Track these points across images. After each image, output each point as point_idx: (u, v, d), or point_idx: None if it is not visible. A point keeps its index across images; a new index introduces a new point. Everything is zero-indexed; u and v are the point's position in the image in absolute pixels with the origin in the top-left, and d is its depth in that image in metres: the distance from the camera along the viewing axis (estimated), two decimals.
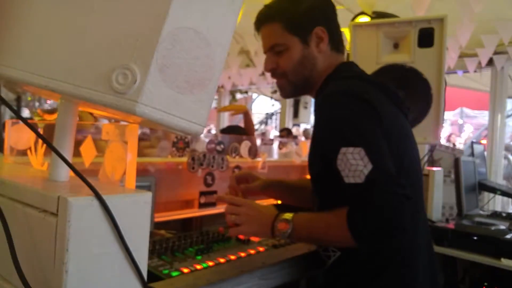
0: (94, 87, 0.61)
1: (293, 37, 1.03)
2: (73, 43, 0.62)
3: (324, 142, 0.96)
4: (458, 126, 11.63)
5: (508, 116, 6.19)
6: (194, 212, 1.71)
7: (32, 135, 1.04)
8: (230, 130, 2.86)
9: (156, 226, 1.46)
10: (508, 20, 3.72)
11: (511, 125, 7.30)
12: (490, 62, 4.64)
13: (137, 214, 0.67)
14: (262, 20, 1.08)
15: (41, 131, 1.01)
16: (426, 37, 1.98)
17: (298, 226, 0.96)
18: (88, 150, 0.86)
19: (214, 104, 8.31)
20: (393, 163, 0.89)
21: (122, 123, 0.79)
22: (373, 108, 0.94)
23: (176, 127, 0.64)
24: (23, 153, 1.09)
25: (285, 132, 5.94)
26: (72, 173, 0.69)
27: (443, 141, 7.01)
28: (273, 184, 1.30)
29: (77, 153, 0.84)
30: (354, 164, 0.85)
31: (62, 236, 0.59)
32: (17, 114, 0.73)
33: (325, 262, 1.06)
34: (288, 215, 0.98)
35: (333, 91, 0.98)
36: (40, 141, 0.95)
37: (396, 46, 2.09)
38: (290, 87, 1.10)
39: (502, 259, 1.63)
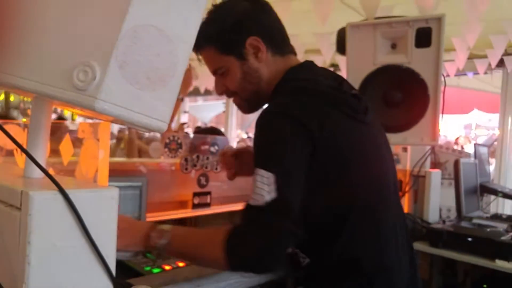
0: (58, 84, 0.62)
1: (228, 57, 1.01)
2: (38, 42, 0.64)
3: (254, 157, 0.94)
4: (470, 128, 11.45)
5: None
6: (188, 213, 1.73)
7: (18, 137, 1.06)
8: (207, 131, 2.91)
9: None
10: None
11: None
12: (501, 63, 4.54)
13: (103, 209, 0.69)
14: (197, 47, 1.05)
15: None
16: (424, 37, 1.96)
17: (174, 238, 0.94)
18: (66, 148, 0.88)
19: (222, 108, 8.34)
20: (307, 194, 0.88)
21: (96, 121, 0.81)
22: (304, 130, 0.89)
23: (137, 123, 0.65)
24: (12, 153, 1.11)
25: None
26: (52, 171, 0.70)
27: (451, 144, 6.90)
28: None
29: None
30: (260, 187, 0.84)
31: (24, 229, 0.61)
32: None
33: (300, 265, 1.04)
34: (166, 226, 0.96)
35: (266, 111, 0.95)
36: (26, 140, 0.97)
37: (393, 46, 2.08)
38: (245, 104, 1.09)
39: (497, 261, 1.60)
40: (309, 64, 1.08)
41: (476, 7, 3.19)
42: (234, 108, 7.85)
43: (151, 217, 1.56)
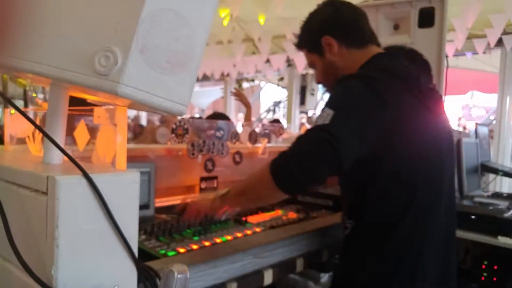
0: (78, 69, 0.63)
1: (314, 55, 1.25)
2: (56, 27, 0.64)
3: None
4: (468, 109, 11.47)
5: None
6: (195, 198, 1.75)
7: (30, 124, 1.07)
8: (215, 116, 2.91)
9: (157, 211, 1.49)
10: None
11: None
12: (500, 43, 4.53)
13: (125, 192, 0.70)
14: (298, 48, 1.31)
15: (38, 119, 1.05)
16: (427, 17, 1.95)
17: (233, 188, 1.12)
18: (81, 134, 0.88)
19: (220, 93, 8.32)
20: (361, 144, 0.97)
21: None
22: (376, 94, 1.01)
23: (159, 107, 0.66)
24: (24, 141, 1.12)
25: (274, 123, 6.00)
26: (66, 157, 0.71)
27: (453, 125, 6.92)
28: None
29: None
30: (319, 118, 0.98)
31: (52, 213, 0.62)
32: (9, 102, 0.76)
33: (343, 232, 1.19)
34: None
35: (347, 75, 1.09)
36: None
37: (396, 27, 2.07)
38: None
39: (499, 237, 1.64)
40: (390, 54, 1.24)
41: None
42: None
43: (160, 202, 1.58)
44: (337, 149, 0.90)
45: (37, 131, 1.04)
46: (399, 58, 1.21)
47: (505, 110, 4.83)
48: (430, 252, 1.07)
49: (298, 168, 0.91)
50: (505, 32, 4.31)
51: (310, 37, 1.24)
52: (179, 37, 0.66)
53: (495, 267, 1.84)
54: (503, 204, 2.00)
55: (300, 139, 0.97)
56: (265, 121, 7.47)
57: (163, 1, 0.63)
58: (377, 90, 1.01)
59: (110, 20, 0.62)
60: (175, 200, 1.67)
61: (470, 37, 4.47)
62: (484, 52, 4.75)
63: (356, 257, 1.13)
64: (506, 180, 4.01)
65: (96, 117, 0.83)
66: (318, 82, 1.30)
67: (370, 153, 1.00)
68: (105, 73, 0.61)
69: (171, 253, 1.05)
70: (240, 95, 3.48)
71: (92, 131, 0.89)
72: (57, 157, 0.77)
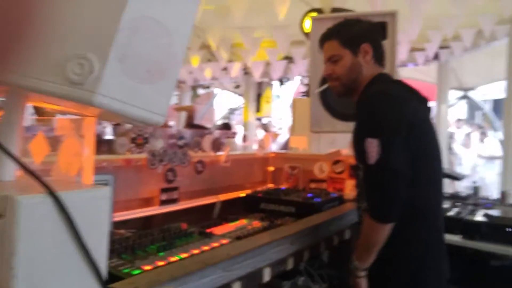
0: (46, 77, 0.57)
1: (346, 50, 1.37)
2: (21, 31, 0.58)
3: (362, 129, 1.28)
4: None
5: (451, 106, 6.59)
6: (155, 210, 1.67)
7: None
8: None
9: (115, 225, 1.41)
10: (450, 17, 3.96)
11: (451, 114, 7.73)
12: (436, 56, 4.93)
13: (95, 210, 0.64)
14: (325, 38, 1.42)
15: None
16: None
17: (356, 253, 1.29)
18: (39, 146, 0.80)
19: (175, 100, 8.16)
20: (405, 156, 1.19)
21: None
22: (402, 105, 1.26)
23: (137, 118, 0.62)
24: None
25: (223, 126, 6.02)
26: (18, 172, 0.64)
27: None
28: None
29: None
30: (371, 151, 1.19)
31: (9, 239, 0.55)
32: None
33: (359, 222, 1.35)
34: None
35: (375, 92, 1.31)
36: None
37: None
38: (341, 87, 1.41)
39: (445, 235, 1.72)
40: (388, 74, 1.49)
41: (417, 5, 3.41)
42: (187, 100, 7.71)
43: (118, 216, 1.49)
44: (398, 176, 1.18)
45: None
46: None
47: (442, 117, 5.26)
48: (441, 238, 1.35)
49: (395, 208, 1.20)
50: (440, 47, 4.70)
51: (355, 36, 1.37)
52: (160, 46, 0.62)
53: None
54: (446, 203, 2.12)
55: (375, 185, 1.22)
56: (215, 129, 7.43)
57: (144, 9, 0.59)
58: (402, 104, 1.27)
59: (86, 26, 0.57)
60: (134, 214, 1.59)
61: (412, 50, 4.81)
62: (423, 64, 5.14)
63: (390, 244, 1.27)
64: (445, 181, 4.29)
65: (59, 128, 0.76)
66: (330, 75, 1.41)
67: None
68: (79, 81, 0.56)
69: (135, 272, 0.98)
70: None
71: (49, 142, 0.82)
72: (9, 172, 0.69)
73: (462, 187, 4.39)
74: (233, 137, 2.54)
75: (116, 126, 1.83)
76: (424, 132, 1.31)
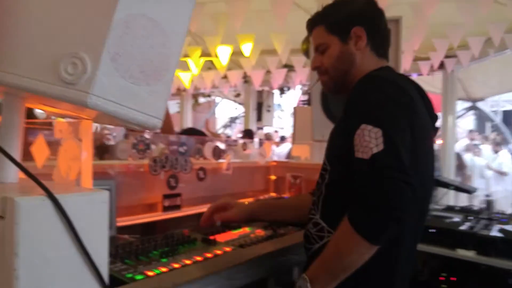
0: (40, 77, 0.57)
1: (333, 37, 1.13)
2: (15, 29, 0.58)
3: (351, 117, 0.98)
4: None
5: (458, 117, 6.51)
6: (158, 216, 1.66)
7: None
8: (190, 132, 2.84)
9: (119, 231, 1.40)
10: (457, 25, 3.89)
11: (460, 125, 7.66)
12: (442, 66, 4.85)
13: (94, 213, 0.64)
14: (310, 25, 1.19)
15: None
16: None
17: (312, 272, 0.93)
18: (40, 150, 0.81)
19: (176, 108, 8.18)
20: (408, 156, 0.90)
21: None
22: (407, 95, 0.98)
23: (132, 120, 0.61)
24: None
25: (245, 134, 5.96)
26: (21, 175, 0.64)
27: None
28: (255, 209, 1.32)
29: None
30: (367, 141, 0.89)
31: (10, 240, 0.55)
32: None
33: (315, 242, 1.04)
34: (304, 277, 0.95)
35: (371, 76, 1.05)
36: None
37: None
38: (331, 82, 1.17)
39: (458, 250, 1.69)
40: (395, 71, 1.20)
41: (422, 12, 3.37)
42: (188, 108, 7.73)
43: (120, 221, 1.49)
44: (411, 183, 0.85)
45: None
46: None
47: (449, 128, 5.16)
48: (403, 270, 1.03)
49: (392, 222, 0.85)
50: (446, 56, 4.62)
51: (343, 19, 1.13)
52: (154, 45, 0.62)
53: (453, 278, 1.88)
54: (457, 217, 2.07)
55: (373, 186, 0.86)
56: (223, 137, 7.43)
57: (137, 6, 0.59)
58: (407, 93, 0.98)
59: (78, 24, 0.56)
60: (137, 220, 1.59)
61: (416, 60, 4.74)
62: (428, 74, 5.06)
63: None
64: (451, 193, 4.23)
65: (58, 131, 0.76)
66: (317, 67, 1.18)
67: None
68: (72, 81, 0.55)
69: (138, 277, 0.97)
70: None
71: (50, 146, 0.82)
72: (11, 175, 0.69)
73: (473, 201, 4.28)
74: (235, 145, 2.53)
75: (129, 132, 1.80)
76: (423, 146, 1.00)
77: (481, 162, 6.38)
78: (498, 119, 8.44)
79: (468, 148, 6.58)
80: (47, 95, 0.56)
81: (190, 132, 2.80)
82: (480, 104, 7.25)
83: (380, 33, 1.15)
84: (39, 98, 0.62)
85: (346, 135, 0.95)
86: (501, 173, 6.17)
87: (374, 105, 0.95)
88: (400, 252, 1.00)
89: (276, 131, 8.49)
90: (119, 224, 1.43)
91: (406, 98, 0.97)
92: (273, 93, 7.19)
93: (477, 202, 3.81)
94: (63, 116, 0.75)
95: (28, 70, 0.57)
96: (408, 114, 0.95)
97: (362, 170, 0.88)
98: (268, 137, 7.50)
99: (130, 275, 0.98)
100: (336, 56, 1.12)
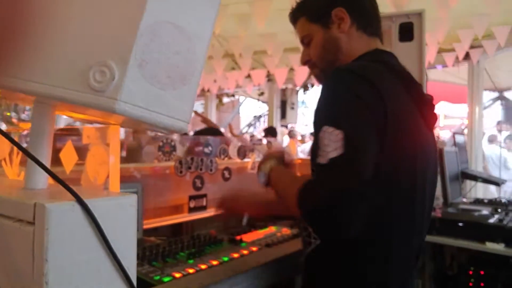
0: (70, 86, 0.58)
1: (315, 26, 1.05)
2: (47, 41, 0.59)
3: (315, 117, 0.91)
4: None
5: (485, 107, 6.30)
6: (184, 217, 1.68)
7: (6, 145, 0.99)
8: (206, 132, 2.86)
9: (146, 233, 1.42)
10: (482, 15, 3.78)
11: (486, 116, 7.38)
12: (467, 56, 4.74)
13: (122, 217, 0.64)
14: (292, 19, 1.12)
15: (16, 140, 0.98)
16: (406, 32, 2.00)
17: (273, 172, 1.06)
18: (68, 156, 0.82)
19: (201, 108, 8.27)
20: (374, 158, 0.83)
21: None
22: (376, 92, 0.88)
23: (159, 124, 0.62)
24: None
25: (267, 132, 5.95)
26: (51, 181, 0.65)
27: None
28: None
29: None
30: (326, 144, 0.82)
31: (40, 245, 0.56)
32: None
33: (306, 247, 1.00)
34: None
35: (340, 68, 0.94)
36: (15, 150, 0.91)
37: None
38: (322, 75, 1.09)
39: (487, 243, 1.65)
40: (392, 54, 1.08)
41: (446, 3, 3.29)
42: (213, 108, 7.80)
43: (147, 224, 1.51)
44: (365, 192, 0.81)
45: (14, 152, 0.97)
46: (397, 60, 1.08)
47: (475, 119, 5.03)
48: (397, 273, 0.96)
49: (324, 221, 0.81)
50: (471, 46, 4.49)
51: (320, 3, 1.05)
52: (180, 51, 0.62)
53: (481, 272, 1.85)
54: (486, 210, 2.02)
55: (327, 182, 0.83)
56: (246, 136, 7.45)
57: (162, 14, 0.59)
58: (376, 90, 0.88)
59: (106, 33, 0.57)
60: (163, 221, 1.61)
61: (440, 51, 4.63)
62: (453, 65, 4.94)
63: (324, 277, 0.96)
64: (480, 186, 4.10)
65: (86, 137, 0.77)
66: (307, 61, 1.10)
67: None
68: (101, 89, 0.56)
69: (166, 279, 0.98)
70: (206, 121, 3.52)
71: (78, 151, 0.84)
72: (42, 181, 0.71)
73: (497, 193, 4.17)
74: (260, 144, 2.53)
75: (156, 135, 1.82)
76: (403, 142, 0.90)
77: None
78: None
79: (491, 139, 6.35)
80: (79, 103, 0.57)
81: (208, 132, 2.82)
82: (507, 94, 7.02)
83: (365, 9, 1.06)
84: (69, 105, 0.64)
85: (315, 136, 0.89)
86: None
87: (336, 105, 0.88)
88: (391, 253, 0.94)
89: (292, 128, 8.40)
90: (146, 226, 1.45)
91: (374, 94, 0.87)
92: (297, 91, 7.15)
93: (506, 194, 3.68)
94: (91, 122, 0.77)
95: (59, 79, 0.58)
96: (376, 109, 0.86)
97: (319, 174, 0.84)
98: (292, 135, 7.47)
99: (157, 277, 0.99)
100: (321, 45, 1.05)
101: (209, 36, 0.67)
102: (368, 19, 1.05)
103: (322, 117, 0.88)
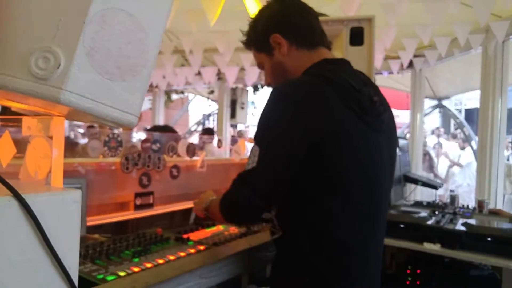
0: (8, 71, 0.54)
1: (262, 54, 1.16)
2: None
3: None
4: None
5: (426, 114, 6.75)
6: (130, 215, 1.63)
7: None
8: (161, 129, 2.79)
9: (89, 230, 1.36)
10: (426, 25, 4.03)
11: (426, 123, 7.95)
12: (411, 64, 5.03)
13: (65, 214, 0.61)
14: (247, 48, 1.22)
15: None
16: (357, 36, 2.06)
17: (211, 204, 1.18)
18: (5, 148, 0.76)
19: (148, 105, 8.03)
20: (284, 171, 0.97)
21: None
22: (297, 109, 0.95)
23: (107, 117, 0.59)
24: None
25: (205, 131, 5.94)
26: None
27: None
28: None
29: None
30: (250, 157, 0.98)
31: None
32: None
33: (272, 235, 1.15)
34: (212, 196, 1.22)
35: (275, 88, 1.03)
36: None
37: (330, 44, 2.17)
38: None
39: (425, 243, 1.75)
40: (340, 61, 1.15)
41: (393, 12, 3.47)
42: (161, 105, 7.60)
43: (91, 220, 1.44)
44: (262, 207, 0.98)
45: None
46: (345, 66, 1.12)
47: (416, 125, 5.36)
48: (360, 270, 1.03)
49: (233, 219, 1.09)
50: (415, 55, 4.79)
51: (258, 36, 1.14)
52: (131, 41, 0.60)
53: (418, 271, 1.97)
54: (424, 212, 2.15)
55: (235, 189, 1.01)
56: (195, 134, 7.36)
57: (114, 0, 0.57)
58: (298, 107, 0.96)
59: (52, 17, 0.54)
60: (108, 218, 1.54)
61: (386, 58, 4.88)
62: (398, 72, 5.23)
63: (287, 264, 1.03)
64: (418, 189, 4.38)
65: (26, 128, 0.72)
66: (267, 84, 1.20)
67: (300, 172, 0.96)
68: (44, 76, 0.53)
69: (110, 278, 0.94)
70: None
71: (16, 143, 0.78)
72: None
73: (435, 196, 4.47)
74: (211, 142, 2.51)
75: (89, 128, 1.77)
76: (343, 153, 0.97)
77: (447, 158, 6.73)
78: (461, 117, 8.83)
79: (435, 146, 6.89)
80: (17, 90, 0.53)
81: (164, 129, 2.75)
82: (445, 102, 7.59)
83: (298, 28, 1.11)
84: (6, 93, 0.59)
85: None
86: (458, 165, 6.50)
87: (263, 121, 1.00)
88: (350, 253, 1.01)
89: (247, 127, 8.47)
90: (90, 223, 1.39)
91: (295, 113, 0.95)
92: (247, 91, 7.18)
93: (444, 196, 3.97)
94: (32, 113, 0.72)
95: None
96: (297, 127, 0.94)
97: (236, 180, 1.01)
98: (240, 134, 7.49)
99: (101, 276, 0.95)
100: (271, 71, 1.15)
101: (163, 28, 0.65)
102: (303, 36, 1.11)
103: (255, 133, 1.02)
